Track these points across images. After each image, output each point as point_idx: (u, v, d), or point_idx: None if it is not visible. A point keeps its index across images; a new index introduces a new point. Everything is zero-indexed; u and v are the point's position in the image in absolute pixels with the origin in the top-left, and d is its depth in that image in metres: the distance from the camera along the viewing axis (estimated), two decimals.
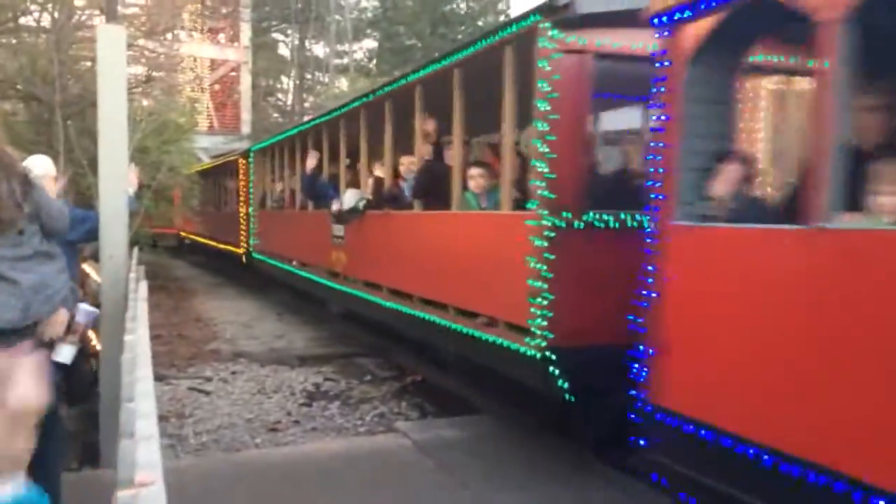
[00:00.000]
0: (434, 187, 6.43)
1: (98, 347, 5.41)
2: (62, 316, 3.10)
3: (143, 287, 4.49)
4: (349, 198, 8.51)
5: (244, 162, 15.39)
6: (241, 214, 15.09)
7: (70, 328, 3.18)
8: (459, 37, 29.90)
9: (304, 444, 5.98)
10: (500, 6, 33.41)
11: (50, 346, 3.08)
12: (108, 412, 4.72)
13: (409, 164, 7.24)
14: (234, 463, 5.37)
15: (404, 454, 5.52)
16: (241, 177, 15.50)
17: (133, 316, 3.16)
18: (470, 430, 6.06)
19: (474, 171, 5.95)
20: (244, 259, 15.05)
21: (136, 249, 5.81)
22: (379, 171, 8.23)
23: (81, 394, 4.07)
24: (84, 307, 3.40)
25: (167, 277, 17.70)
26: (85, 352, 3.99)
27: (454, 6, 32.36)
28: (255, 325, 11.66)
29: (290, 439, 6.11)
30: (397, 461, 5.35)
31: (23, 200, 2.98)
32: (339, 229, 8.71)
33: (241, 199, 15.25)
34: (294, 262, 11.17)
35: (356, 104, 8.37)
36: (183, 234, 22.84)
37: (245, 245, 14.91)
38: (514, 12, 32.49)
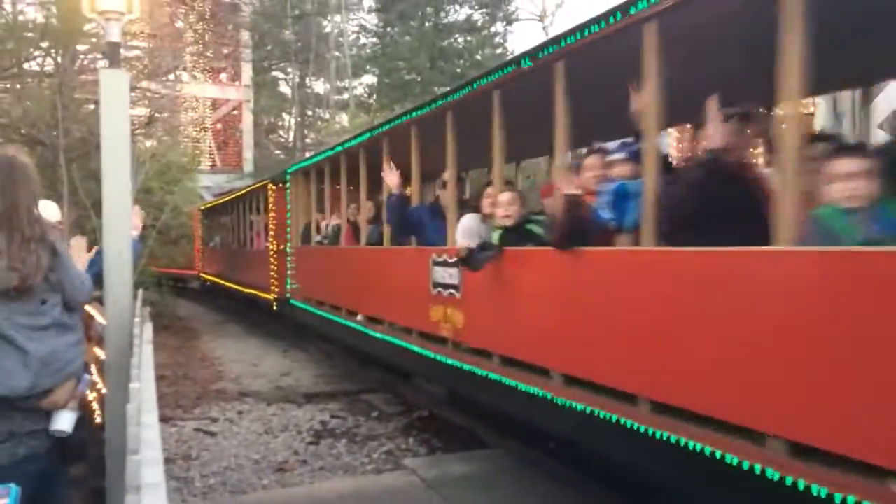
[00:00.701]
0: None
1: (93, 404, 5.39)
2: (69, 388, 3.09)
3: (148, 329, 4.47)
4: (468, 229, 5.83)
5: (276, 188, 12.82)
6: (272, 252, 12.71)
7: (73, 396, 3.16)
8: (458, 70, 30.20)
9: (312, 483, 5.91)
10: (497, 40, 33.75)
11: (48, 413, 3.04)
12: (114, 460, 4.68)
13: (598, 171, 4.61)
14: None
15: (414, 492, 5.47)
16: (272, 206, 12.87)
17: (138, 363, 3.14)
18: (479, 465, 6.01)
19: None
20: (275, 306, 12.71)
21: (140, 291, 5.80)
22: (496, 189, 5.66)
23: (77, 457, 4.04)
24: (84, 376, 3.39)
25: (171, 316, 17.68)
26: (84, 418, 3.96)
27: (452, 41, 32.69)
28: (260, 362, 11.61)
29: (297, 479, 6.04)
30: (407, 499, 5.29)
31: (49, 271, 3.00)
32: (448, 275, 6.00)
33: (273, 233, 12.72)
34: (359, 318, 8.29)
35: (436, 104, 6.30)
36: (204, 275, 20.73)
37: (277, 290, 12.48)
38: (511, 46, 32.93)
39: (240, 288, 15.50)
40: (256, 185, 14.38)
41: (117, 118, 5.38)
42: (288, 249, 11.70)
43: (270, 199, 13.04)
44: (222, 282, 17.87)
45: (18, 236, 2.96)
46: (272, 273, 12.61)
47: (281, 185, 12.60)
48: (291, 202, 11.59)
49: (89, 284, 3.45)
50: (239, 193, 16.27)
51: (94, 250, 4.78)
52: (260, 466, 6.37)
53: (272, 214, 12.74)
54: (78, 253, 3.88)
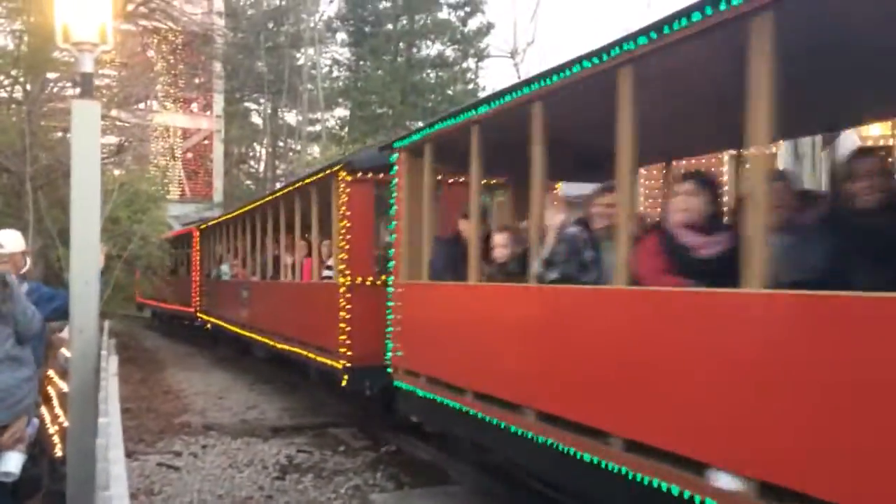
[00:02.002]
0: None
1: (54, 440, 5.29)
2: (19, 426, 3.04)
3: (114, 362, 4.42)
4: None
5: (354, 179, 7.96)
6: (343, 288, 7.85)
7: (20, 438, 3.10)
8: (430, 105, 30.52)
9: None
10: (469, 76, 34.22)
11: None
12: (76, 494, 4.59)
13: None
14: None
15: None
16: (345, 210, 7.96)
17: (105, 396, 3.11)
18: (446, 501, 5.99)
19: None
20: (345, 380, 7.73)
21: (106, 322, 5.74)
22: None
23: (31, 492, 3.97)
24: (33, 420, 3.34)
25: (137, 348, 17.38)
26: (39, 453, 3.90)
27: (424, 75, 33.07)
28: (226, 395, 11.46)
29: None
30: None
31: (1, 303, 2.99)
32: None
33: (347, 257, 7.92)
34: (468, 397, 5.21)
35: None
36: (203, 316, 16.63)
37: (351, 353, 7.69)
38: (483, 82, 33.39)
39: (267, 340, 10.95)
40: (312, 177, 9.18)
41: (88, 149, 5.37)
42: (389, 286, 6.74)
43: (343, 197, 7.92)
44: (233, 328, 13.28)
45: None
46: (342, 324, 7.71)
47: (366, 172, 7.82)
48: (399, 200, 6.55)
49: (39, 317, 3.42)
50: (273, 195, 11.34)
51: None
52: (224, 502, 6.27)
53: (346, 224, 7.83)
54: None
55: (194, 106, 35.32)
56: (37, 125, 12.22)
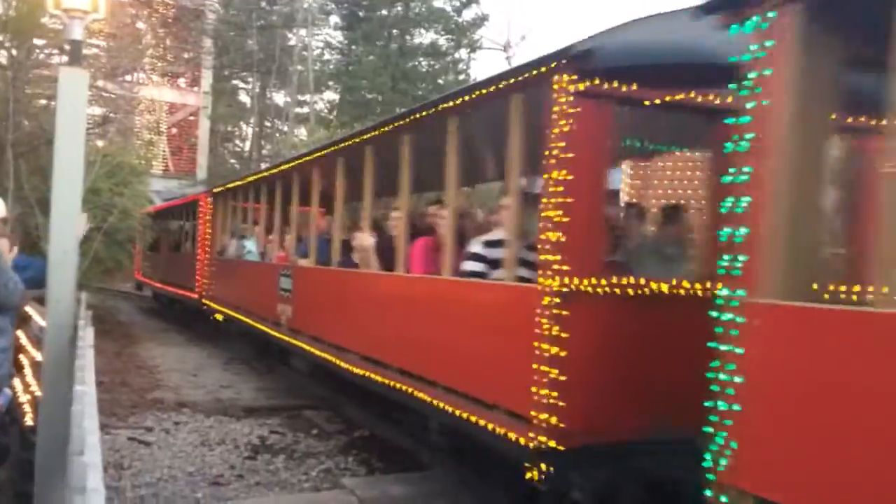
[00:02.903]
0: None
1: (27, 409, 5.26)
2: None
3: (90, 333, 4.40)
4: None
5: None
6: (550, 293, 4.16)
7: None
8: (420, 93, 30.41)
9: (248, 499, 5.84)
10: (461, 66, 34.13)
11: None
12: (45, 462, 4.57)
13: None
14: None
15: None
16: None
17: (82, 365, 3.10)
18: (417, 487, 6.02)
19: None
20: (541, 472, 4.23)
21: (83, 294, 5.70)
22: None
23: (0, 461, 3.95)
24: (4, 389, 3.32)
25: (112, 322, 17.26)
26: (10, 422, 3.87)
27: (416, 63, 32.94)
28: (200, 373, 11.42)
29: (232, 494, 5.95)
30: None
31: None
32: None
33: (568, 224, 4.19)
34: None
35: None
36: (209, 302, 13.79)
37: (549, 425, 4.11)
38: (474, 73, 33.32)
39: (330, 357, 7.55)
40: (475, 91, 5.17)
41: (73, 117, 5.34)
42: (721, 305, 2.98)
43: (563, 125, 4.13)
44: (261, 326, 10.18)
45: None
46: (547, 366, 4.09)
47: (608, 79, 4.15)
48: (769, 124, 2.84)
49: (21, 287, 3.39)
50: (355, 139, 7.48)
51: (14, 251, 4.68)
52: (194, 479, 6.26)
53: (564, 177, 4.13)
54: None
55: (181, 81, 34.98)
56: (21, 91, 12.05)
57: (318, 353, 7.87)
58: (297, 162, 9.51)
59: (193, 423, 8.17)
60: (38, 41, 13.12)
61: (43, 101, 13.40)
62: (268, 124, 36.89)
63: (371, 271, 6.82)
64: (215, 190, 14.69)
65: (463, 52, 34.28)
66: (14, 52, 12.41)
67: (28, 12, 11.32)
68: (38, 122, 12.22)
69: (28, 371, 5.93)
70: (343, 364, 7.12)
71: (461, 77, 32.71)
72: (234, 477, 6.36)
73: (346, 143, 7.69)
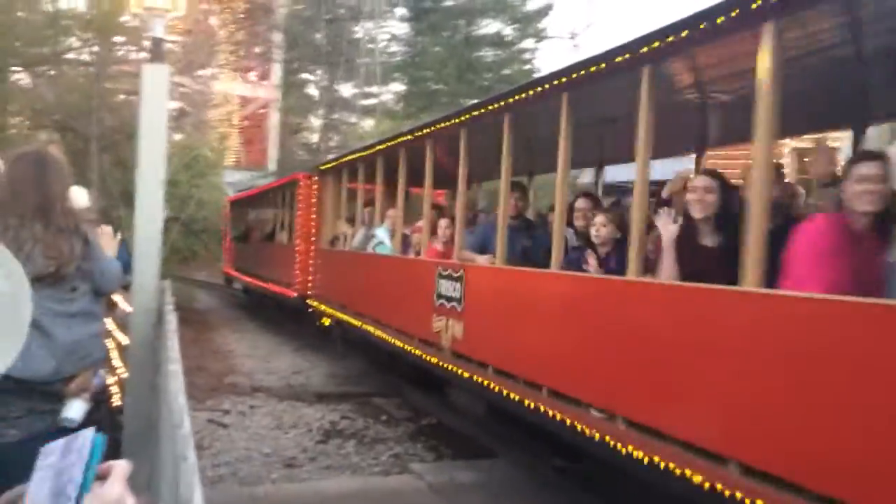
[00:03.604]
0: None
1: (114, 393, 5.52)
2: (85, 378, 3.20)
3: (174, 319, 4.61)
4: None
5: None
6: None
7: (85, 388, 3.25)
8: (486, 83, 30.36)
9: (320, 481, 6.02)
10: (527, 55, 33.93)
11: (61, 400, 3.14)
12: (132, 440, 4.81)
13: None
14: (250, 497, 5.43)
15: (418, 496, 5.57)
16: None
17: (172, 346, 3.27)
18: (485, 473, 6.09)
19: None
20: None
21: (168, 282, 5.96)
22: None
23: None
24: (99, 371, 3.51)
25: (188, 310, 17.86)
26: (102, 401, 4.07)
27: (481, 54, 32.90)
28: (272, 359, 11.74)
29: (305, 476, 6.15)
30: (412, 503, 5.38)
31: (81, 260, 3.14)
32: None
33: None
34: None
35: None
36: (319, 305, 11.27)
37: None
38: (538, 63, 33.08)
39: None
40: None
41: (156, 111, 5.55)
42: None
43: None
44: (415, 350, 7.32)
45: (54, 227, 3.10)
46: None
47: None
48: None
49: (118, 273, 3.58)
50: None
51: (118, 239, 4.92)
52: (269, 460, 6.48)
53: None
54: (107, 241, 4.02)
55: (252, 75, 35.76)
56: (103, 87, 12.59)
57: (520, 400, 5.20)
58: (460, 118, 6.53)
59: (267, 406, 8.43)
60: (118, 38, 13.65)
61: (122, 97, 13.95)
62: (335, 116, 37.42)
63: (675, 283, 4.02)
64: (322, 167, 12.12)
65: (528, 42, 34.06)
66: (97, 49, 12.96)
67: (110, 11, 11.78)
68: (119, 117, 12.73)
69: (115, 354, 6.23)
70: (589, 431, 4.37)
71: (526, 67, 32.52)
72: (307, 459, 6.55)
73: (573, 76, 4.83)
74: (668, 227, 4.15)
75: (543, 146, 5.91)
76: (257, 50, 33.47)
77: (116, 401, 5.79)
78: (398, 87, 36.01)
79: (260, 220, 17.06)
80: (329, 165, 11.74)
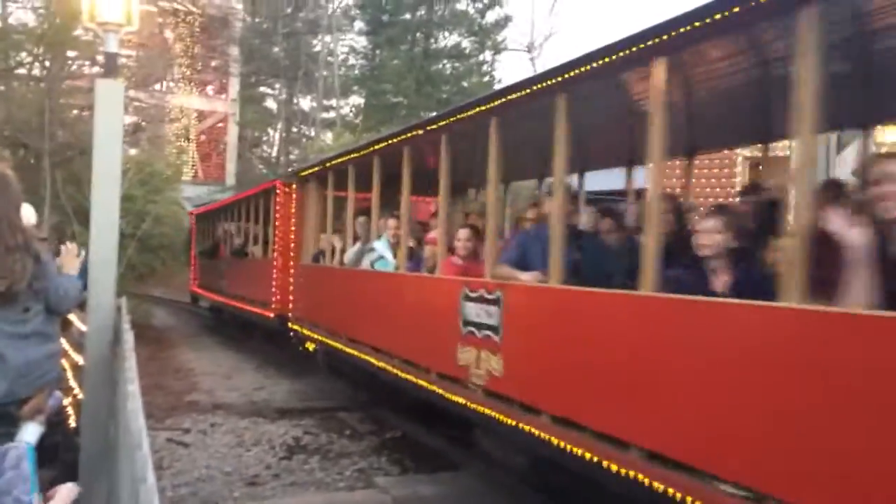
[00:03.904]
0: None
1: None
2: (39, 400, 3.13)
3: (130, 337, 4.53)
4: None
5: None
6: None
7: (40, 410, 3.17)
8: (444, 96, 30.53)
9: (284, 498, 5.94)
10: (485, 68, 34.21)
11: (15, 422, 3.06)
12: (89, 462, 4.71)
13: None
14: None
15: None
16: None
17: (130, 366, 3.21)
18: (449, 486, 6.08)
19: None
20: None
21: (124, 299, 5.85)
22: None
23: (49, 461, 4.07)
24: (55, 392, 3.43)
25: (145, 326, 17.56)
26: (58, 423, 3.99)
27: (440, 66, 33.09)
28: (234, 376, 11.58)
29: (269, 493, 6.06)
30: None
31: (33, 279, 3.08)
32: None
33: None
34: None
35: None
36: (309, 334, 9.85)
37: None
38: (499, 75, 33.37)
39: None
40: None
41: (111, 127, 5.48)
42: None
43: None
44: (373, 361, 7.25)
45: (2, 246, 3.04)
46: None
47: None
48: None
49: (76, 292, 3.51)
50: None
51: (82, 256, 4.84)
52: (231, 479, 6.39)
53: None
54: (70, 259, 3.95)
55: (210, 88, 35.47)
56: (55, 102, 12.37)
57: (592, 460, 3.98)
58: (490, 104, 5.29)
59: (229, 424, 8.31)
60: (70, 53, 13.44)
61: (76, 112, 13.73)
62: (294, 129, 37.27)
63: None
64: (303, 172, 10.63)
65: (487, 55, 34.37)
66: (48, 64, 12.74)
67: (62, 26, 11.60)
68: (72, 132, 12.52)
69: (69, 374, 6.10)
70: None
71: (486, 79, 32.79)
72: (271, 476, 6.47)
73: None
74: (851, 231, 2.99)
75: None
76: (214, 63, 33.27)
77: (73, 422, 5.67)
78: (357, 100, 36.05)
79: (230, 234, 15.91)
80: (311, 170, 10.16)
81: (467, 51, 33.87)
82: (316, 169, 9.94)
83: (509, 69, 44.45)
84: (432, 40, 33.48)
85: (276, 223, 11.26)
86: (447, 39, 33.81)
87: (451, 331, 5.53)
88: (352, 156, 8.36)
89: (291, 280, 10.65)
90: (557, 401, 4.38)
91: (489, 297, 5.13)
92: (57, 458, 4.70)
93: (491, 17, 33.63)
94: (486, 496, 5.88)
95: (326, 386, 10.27)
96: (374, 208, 7.86)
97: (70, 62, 13.69)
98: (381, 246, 7.65)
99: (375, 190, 7.70)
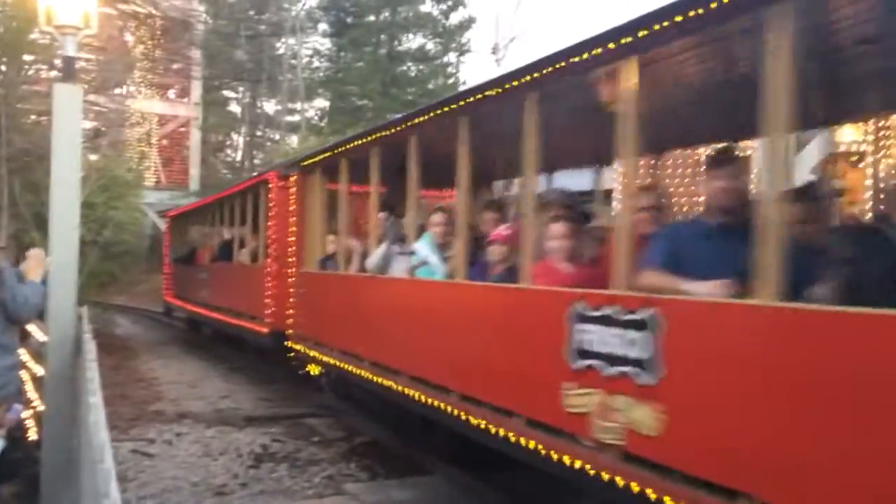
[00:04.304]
0: None
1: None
2: (0, 413, 3.05)
3: (93, 347, 4.43)
4: None
5: None
6: None
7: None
8: (410, 98, 30.51)
9: None
10: (450, 69, 34.28)
11: None
12: (50, 476, 4.60)
13: None
14: None
15: None
16: None
17: (92, 377, 3.14)
18: (420, 491, 6.06)
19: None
20: None
21: (84, 308, 5.73)
22: None
23: (9, 477, 3.98)
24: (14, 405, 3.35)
25: (109, 335, 17.25)
26: (18, 439, 3.91)
27: (405, 68, 33.06)
28: (200, 384, 11.42)
29: (237, 503, 5.98)
30: None
31: None
32: None
33: None
34: None
35: None
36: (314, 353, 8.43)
37: None
38: (463, 76, 33.45)
39: None
40: None
41: (69, 132, 5.38)
42: None
43: None
44: (412, 394, 5.71)
45: None
46: None
47: None
48: None
49: (35, 299, 3.42)
50: None
51: (48, 261, 4.73)
52: (198, 489, 6.28)
53: None
54: (36, 264, 3.86)
55: (171, 92, 35.02)
56: (12, 108, 12.10)
57: None
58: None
59: (195, 433, 8.18)
60: (27, 57, 13.16)
61: (34, 117, 13.45)
62: (259, 133, 36.96)
63: None
64: (305, 161, 8.77)
65: (452, 56, 34.43)
66: (3, 68, 12.46)
67: (17, 29, 11.36)
68: (30, 138, 12.26)
69: (29, 386, 5.96)
70: None
71: (451, 81, 32.85)
72: (238, 486, 6.38)
73: None
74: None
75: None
76: (176, 67, 32.85)
77: (33, 435, 5.54)
78: (322, 102, 35.85)
79: (210, 238, 14.24)
80: (316, 159, 8.31)
81: (432, 52, 33.90)
82: (323, 156, 8.04)
83: (474, 71, 44.57)
84: (396, 42, 33.45)
85: (270, 223, 9.68)
86: (412, 41, 33.83)
87: (552, 361, 3.96)
88: (376, 136, 6.56)
89: (290, 290, 8.92)
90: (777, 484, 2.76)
91: (629, 316, 3.52)
92: (19, 472, 4.59)
93: (455, 18, 33.73)
94: (458, 500, 5.86)
95: (293, 392, 10.17)
96: (412, 199, 6.16)
97: (27, 66, 13.41)
98: (423, 248, 5.96)
99: (413, 176, 6.02)
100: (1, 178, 11.06)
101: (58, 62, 11.08)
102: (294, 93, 33.23)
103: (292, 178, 9.06)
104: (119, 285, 20.85)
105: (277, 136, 34.52)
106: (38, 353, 5.87)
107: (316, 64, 36.27)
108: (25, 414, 5.57)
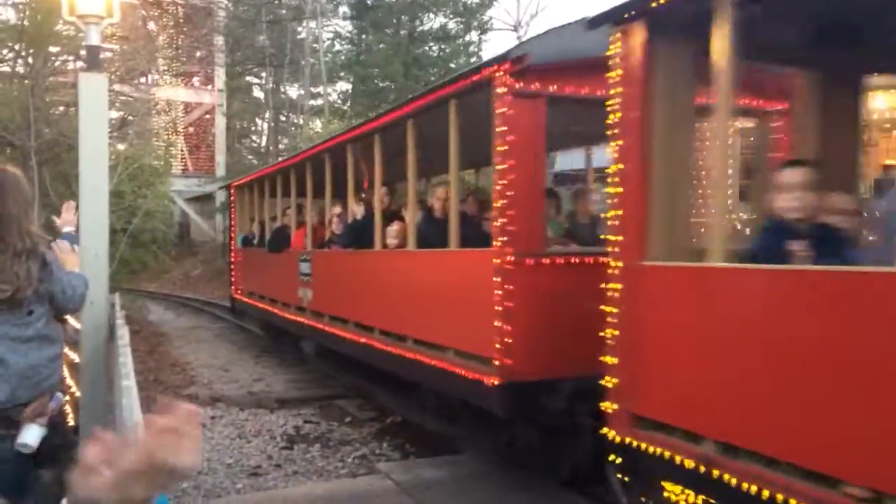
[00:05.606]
0: None
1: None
2: (41, 403, 3.09)
3: (125, 332, 4.49)
4: None
5: None
6: None
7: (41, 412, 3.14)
8: (433, 78, 30.34)
9: (286, 488, 5.94)
10: (472, 48, 33.97)
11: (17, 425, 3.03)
12: None
13: None
14: None
15: (388, 496, 5.53)
16: None
17: (125, 362, 3.18)
18: (451, 469, 6.08)
19: None
20: None
21: (116, 295, 5.81)
22: None
23: (50, 463, 4.05)
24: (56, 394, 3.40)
25: (141, 321, 17.51)
26: (58, 425, 3.98)
27: (426, 49, 32.85)
28: (231, 368, 11.57)
29: (271, 483, 6.07)
30: (381, 503, 5.35)
31: (39, 282, 3.03)
32: None
33: None
34: None
35: None
36: None
37: None
38: (487, 56, 33.16)
39: None
40: None
41: (96, 121, 5.41)
42: None
43: None
44: None
45: (10, 250, 2.98)
46: None
47: None
48: None
49: (82, 288, 3.45)
50: None
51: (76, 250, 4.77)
52: (233, 470, 6.38)
53: None
54: (68, 255, 3.90)
55: (196, 80, 35.23)
56: (40, 99, 12.24)
57: None
58: None
59: (229, 416, 8.30)
60: (53, 48, 13.28)
61: (62, 108, 13.60)
62: (283, 118, 37.05)
63: None
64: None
65: (473, 35, 34.13)
66: (31, 60, 12.59)
67: (42, 21, 11.45)
68: (58, 129, 12.40)
69: (66, 372, 6.06)
70: None
71: (472, 60, 32.61)
72: (272, 467, 6.47)
73: None
74: None
75: None
76: (199, 54, 33.00)
77: (71, 421, 5.64)
78: (345, 86, 35.77)
79: (322, 209, 9.73)
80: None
81: (453, 32, 33.60)
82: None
83: (497, 49, 44.31)
84: (418, 22, 33.22)
85: (504, 165, 5.04)
86: (433, 21, 33.55)
87: None
88: None
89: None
90: None
91: None
92: (59, 458, 4.68)
93: None
94: (489, 479, 5.88)
95: (323, 374, 10.27)
96: None
97: (53, 58, 13.53)
98: None
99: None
100: (31, 169, 11.21)
101: (83, 52, 11.19)
102: (316, 77, 33.22)
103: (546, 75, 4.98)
104: (150, 272, 21.08)
105: (301, 121, 34.57)
106: (74, 341, 5.95)
107: (337, 47, 36.15)
108: (64, 399, 5.68)
